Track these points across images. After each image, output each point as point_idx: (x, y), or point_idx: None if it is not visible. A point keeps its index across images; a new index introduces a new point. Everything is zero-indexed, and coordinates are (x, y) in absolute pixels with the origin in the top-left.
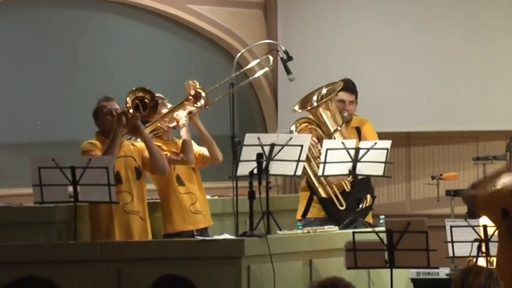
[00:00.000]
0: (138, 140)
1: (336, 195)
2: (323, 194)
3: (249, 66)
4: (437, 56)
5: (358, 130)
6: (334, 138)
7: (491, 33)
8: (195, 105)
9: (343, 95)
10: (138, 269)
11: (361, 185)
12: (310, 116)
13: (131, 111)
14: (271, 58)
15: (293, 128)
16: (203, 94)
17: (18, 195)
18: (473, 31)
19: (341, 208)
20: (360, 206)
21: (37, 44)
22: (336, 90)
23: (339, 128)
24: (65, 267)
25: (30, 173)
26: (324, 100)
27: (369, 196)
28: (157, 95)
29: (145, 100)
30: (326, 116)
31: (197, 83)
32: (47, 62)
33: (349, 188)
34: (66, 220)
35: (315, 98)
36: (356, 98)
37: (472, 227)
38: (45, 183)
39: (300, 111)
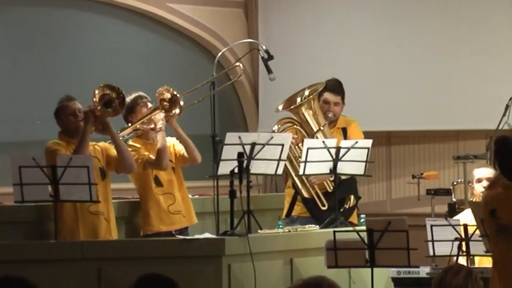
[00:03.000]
0: (106, 141)
1: (318, 196)
2: (305, 194)
3: (219, 74)
4: (418, 56)
5: (344, 131)
6: (317, 138)
7: (471, 33)
8: (170, 113)
9: (328, 96)
10: (119, 268)
11: (344, 185)
12: (293, 116)
13: (99, 108)
14: (241, 66)
15: (275, 128)
16: (181, 101)
17: None
18: (454, 31)
19: (323, 208)
20: (344, 206)
21: (18, 44)
22: (318, 90)
23: (321, 128)
24: (46, 266)
25: (10, 171)
26: (306, 99)
27: (352, 197)
28: (139, 94)
29: (112, 97)
30: (308, 115)
31: (171, 88)
32: (27, 61)
33: (331, 188)
34: (47, 219)
35: (298, 99)
36: (343, 99)
37: (453, 226)
38: (25, 182)
39: (282, 110)
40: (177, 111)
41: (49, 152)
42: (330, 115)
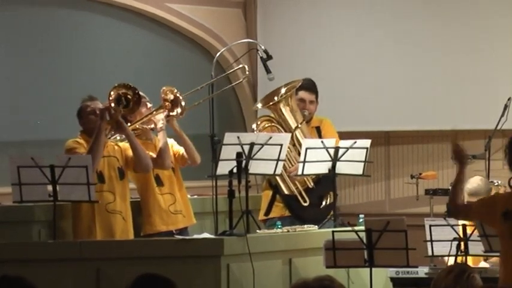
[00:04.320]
0: (118, 137)
1: (300, 192)
2: (286, 191)
3: (225, 74)
4: (417, 56)
5: (318, 130)
6: (296, 136)
7: (470, 33)
8: (171, 113)
9: (303, 94)
10: (118, 268)
11: (325, 182)
12: (271, 114)
13: (113, 105)
14: (247, 68)
15: (254, 126)
16: (182, 102)
17: None
18: (452, 30)
19: (304, 204)
20: (323, 203)
21: (18, 43)
22: (295, 87)
23: (299, 126)
24: (45, 266)
25: (9, 171)
26: (284, 96)
27: (332, 193)
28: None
29: (128, 96)
30: (286, 112)
31: (175, 89)
32: (28, 60)
33: (312, 184)
34: (45, 219)
35: (275, 97)
36: (316, 97)
37: (451, 226)
38: (24, 182)
39: (261, 108)
40: (178, 110)
41: (67, 150)
42: (305, 113)
